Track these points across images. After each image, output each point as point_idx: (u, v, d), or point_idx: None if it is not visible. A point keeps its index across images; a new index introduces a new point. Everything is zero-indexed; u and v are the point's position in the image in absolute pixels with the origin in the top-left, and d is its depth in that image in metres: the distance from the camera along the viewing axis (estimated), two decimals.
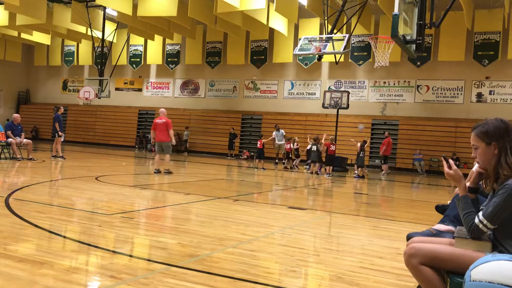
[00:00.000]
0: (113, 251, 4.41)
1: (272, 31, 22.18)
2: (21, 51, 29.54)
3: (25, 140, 14.48)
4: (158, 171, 12.62)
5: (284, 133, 19.61)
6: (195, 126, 25.64)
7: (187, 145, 25.05)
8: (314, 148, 16.36)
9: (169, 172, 12.66)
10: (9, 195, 7.17)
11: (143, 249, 4.80)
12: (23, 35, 25.59)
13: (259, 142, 17.86)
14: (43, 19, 20.68)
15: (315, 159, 16.45)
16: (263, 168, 16.97)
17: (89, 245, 4.55)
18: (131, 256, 4.43)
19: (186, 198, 8.29)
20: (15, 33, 25.28)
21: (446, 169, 2.66)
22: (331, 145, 16.24)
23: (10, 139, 14.00)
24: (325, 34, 15.21)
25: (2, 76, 29.61)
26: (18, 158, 13.85)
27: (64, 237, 4.97)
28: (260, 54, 24.08)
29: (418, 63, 20.84)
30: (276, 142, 19.41)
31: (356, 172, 16.48)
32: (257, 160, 18.13)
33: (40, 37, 26.28)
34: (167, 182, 11.14)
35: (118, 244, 4.80)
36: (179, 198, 8.28)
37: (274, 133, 19.70)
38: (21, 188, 8.10)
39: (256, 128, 24.25)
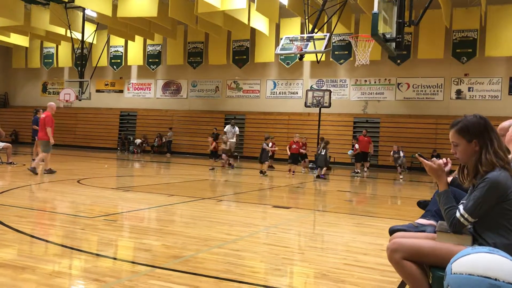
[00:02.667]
0: (97, 254, 4.37)
1: (253, 30, 22.18)
2: None
3: (4, 143, 14.23)
4: (49, 171, 11.63)
5: (238, 132, 18.50)
6: (178, 127, 25.51)
7: (168, 146, 24.90)
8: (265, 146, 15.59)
9: (33, 171, 11.24)
10: None
11: (127, 252, 4.77)
12: (0, 37, 25.15)
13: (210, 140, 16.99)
14: (20, 20, 20.36)
15: (265, 159, 15.36)
16: (212, 168, 16.47)
17: (72, 248, 4.50)
18: (115, 258, 4.40)
19: (170, 200, 8.25)
20: None
21: (428, 163, 2.69)
22: (293, 144, 15.94)
23: None
24: (306, 34, 15.27)
25: None
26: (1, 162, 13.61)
27: (46, 241, 4.90)
28: (242, 54, 24.07)
29: (398, 61, 21.06)
30: (228, 139, 17.84)
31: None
32: (213, 159, 16.91)
33: (18, 39, 25.82)
34: (149, 184, 11.07)
35: (101, 247, 4.75)
36: (162, 200, 8.24)
37: (226, 127, 18.33)
38: (0, 193, 7.96)
39: (239, 128, 24.18)
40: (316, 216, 7.62)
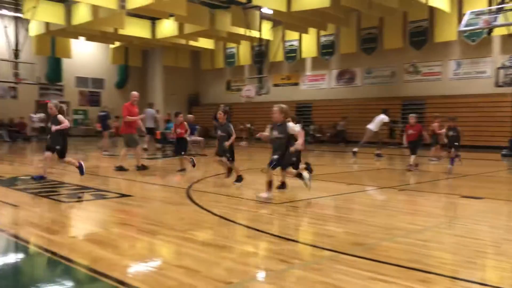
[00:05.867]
0: (283, 238, 4.63)
1: (432, 9, 20.76)
2: (189, 57, 32.50)
3: (197, 138, 15.94)
4: (120, 168, 10.32)
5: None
6: (352, 116, 25.30)
7: (342, 135, 24.95)
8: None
9: (143, 168, 10.48)
10: (189, 187, 7.98)
11: (311, 237, 4.94)
12: (191, 42, 28.13)
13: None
14: (206, 25, 22.57)
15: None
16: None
17: (261, 231, 4.85)
18: (300, 242, 4.61)
19: (349, 188, 8.27)
20: (184, 41, 27.93)
21: None
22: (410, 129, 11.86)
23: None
24: (495, 5, 13.71)
25: (175, 82, 32.93)
26: (193, 154, 15.28)
27: (239, 224, 5.37)
28: (420, 35, 22.68)
29: None
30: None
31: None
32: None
33: (205, 43, 28.61)
34: (327, 173, 11.24)
35: (287, 231, 5.02)
36: (341, 188, 8.30)
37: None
38: (198, 181, 8.95)
39: (419, 114, 22.86)
40: None
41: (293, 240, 4.61)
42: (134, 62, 32.00)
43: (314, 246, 4.38)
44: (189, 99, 34.31)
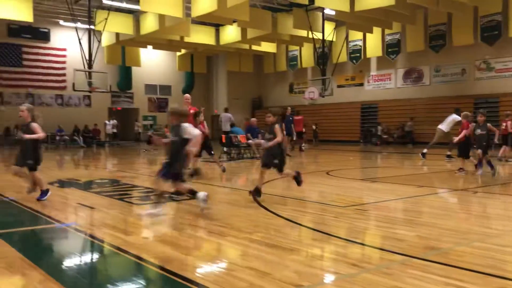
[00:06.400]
0: (352, 241, 4.55)
1: (506, 1, 19.67)
2: (252, 62, 32.83)
3: (261, 140, 16.02)
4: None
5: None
6: (420, 116, 24.44)
7: (410, 136, 24.17)
8: None
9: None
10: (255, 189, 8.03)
11: (380, 240, 4.82)
12: (253, 47, 28.41)
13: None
14: (269, 29, 22.71)
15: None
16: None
17: (328, 234, 4.79)
18: (369, 246, 4.52)
19: (419, 191, 7.98)
20: (247, 46, 28.25)
21: None
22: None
23: (249, 141, 15.71)
24: None
25: (239, 86, 33.44)
26: (258, 157, 15.42)
27: (305, 226, 5.35)
28: (493, 30, 21.51)
29: None
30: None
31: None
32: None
33: (267, 47, 28.77)
34: (395, 175, 10.92)
35: (355, 234, 4.93)
36: (411, 191, 8.03)
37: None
38: (263, 184, 8.98)
39: (493, 113, 21.74)
40: None
41: (362, 244, 4.52)
42: (199, 69, 32.79)
43: (384, 250, 4.27)
44: (252, 102, 34.65)
